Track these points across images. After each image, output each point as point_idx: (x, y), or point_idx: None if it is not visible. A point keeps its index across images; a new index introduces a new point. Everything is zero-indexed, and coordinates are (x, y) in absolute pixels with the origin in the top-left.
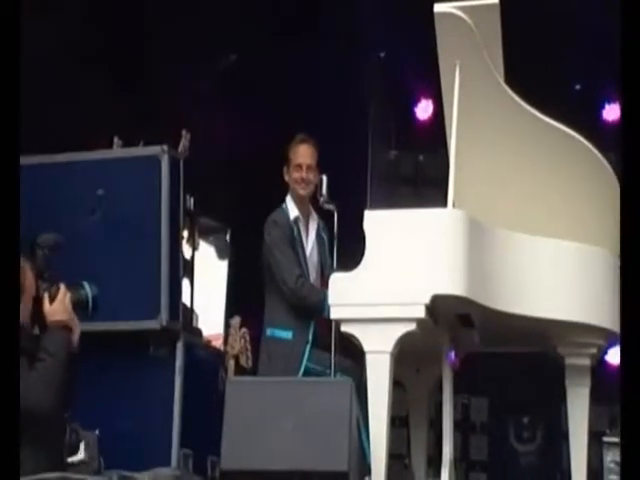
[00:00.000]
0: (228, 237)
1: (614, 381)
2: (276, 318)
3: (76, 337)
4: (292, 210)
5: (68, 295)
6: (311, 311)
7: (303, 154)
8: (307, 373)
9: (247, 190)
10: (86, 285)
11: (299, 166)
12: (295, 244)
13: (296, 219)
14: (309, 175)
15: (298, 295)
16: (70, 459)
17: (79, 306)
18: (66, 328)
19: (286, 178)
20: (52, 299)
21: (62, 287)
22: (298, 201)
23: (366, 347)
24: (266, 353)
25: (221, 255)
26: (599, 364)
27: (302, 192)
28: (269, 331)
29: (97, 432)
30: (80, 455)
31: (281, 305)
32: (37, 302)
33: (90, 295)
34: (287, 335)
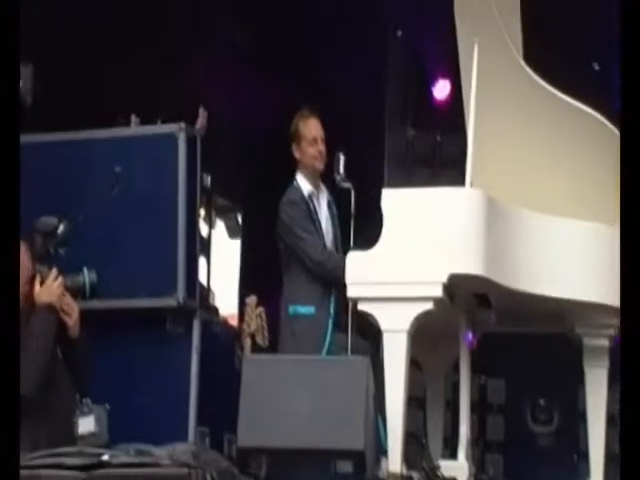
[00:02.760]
0: (239, 217)
1: None
2: (297, 296)
3: (72, 321)
4: (305, 186)
5: (59, 279)
6: (339, 281)
7: (316, 127)
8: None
9: (256, 171)
10: (85, 271)
11: (314, 140)
12: (313, 220)
13: (310, 194)
14: (324, 148)
15: (326, 267)
16: (80, 431)
17: (76, 291)
18: (53, 310)
19: (297, 155)
20: (42, 282)
21: (53, 270)
22: (311, 176)
23: (383, 326)
24: (289, 331)
25: (232, 234)
26: (617, 345)
27: (320, 166)
28: (291, 309)
29: (107, 406)
30: (90, 427)
31: (302, 282)
32: (32, 285)
33: (87, 281)
34: (310, 311)
